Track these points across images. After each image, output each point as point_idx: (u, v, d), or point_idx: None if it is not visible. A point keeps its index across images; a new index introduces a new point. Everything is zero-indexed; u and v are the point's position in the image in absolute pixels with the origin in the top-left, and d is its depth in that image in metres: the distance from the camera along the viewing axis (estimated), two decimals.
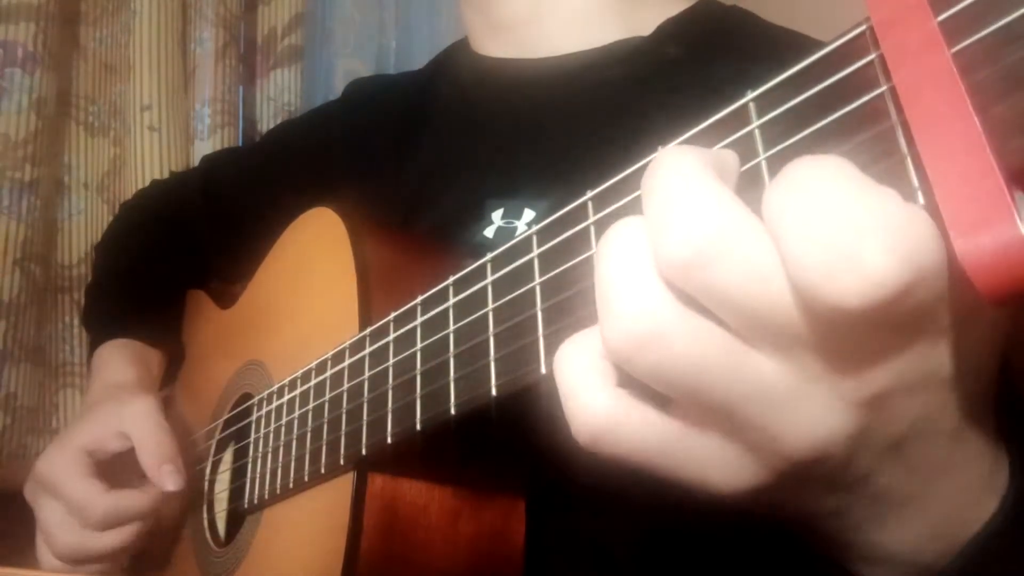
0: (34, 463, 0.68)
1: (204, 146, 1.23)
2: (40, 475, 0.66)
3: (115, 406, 0.69)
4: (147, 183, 1.16)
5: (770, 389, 0.25)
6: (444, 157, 0.68)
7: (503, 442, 0.47)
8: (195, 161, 1.23)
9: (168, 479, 0.64)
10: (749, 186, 0.25)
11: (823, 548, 0.34)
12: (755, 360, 0.25)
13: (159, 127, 1.19)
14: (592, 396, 0.26)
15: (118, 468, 0.67)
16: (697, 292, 0.24)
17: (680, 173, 0.24)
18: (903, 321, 0.22)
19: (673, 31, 0.63)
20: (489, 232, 0.59)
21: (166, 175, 1.17)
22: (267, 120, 1.32)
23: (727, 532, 0.44)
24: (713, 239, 0.23)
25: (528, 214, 0.58)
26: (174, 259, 0.89)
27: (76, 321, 1.21)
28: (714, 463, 0.27)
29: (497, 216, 0.59)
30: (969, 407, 0.29)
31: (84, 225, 1.22)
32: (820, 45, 0.24)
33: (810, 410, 0.25)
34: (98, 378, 0.79)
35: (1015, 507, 0.31)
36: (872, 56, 0.21)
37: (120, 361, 0.79)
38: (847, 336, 0.23)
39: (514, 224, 0.58)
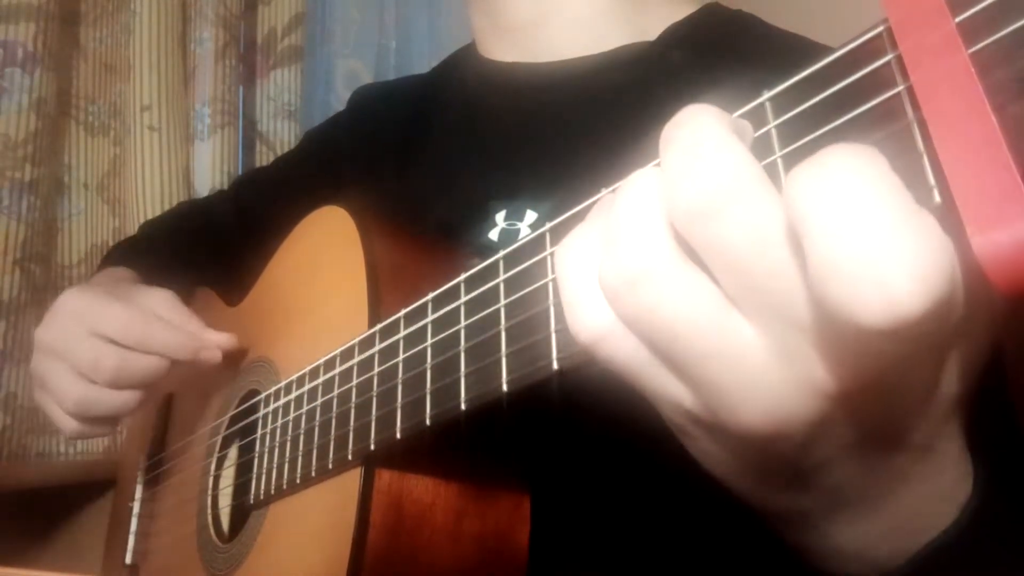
0: (35, 334, 0.67)
1: (204, 146, 1.24)
2: (44, 343, 0.65)
3: (138, 288, 0.69)
4: (147, 183, 1.18)
5: (743, 355, 0.25)
6: (450, 159, 0.69)
7: (510, 441, 0.47)
8: (195, 161, 1.24)
9: (218, 338, 0.65)
10: None
11: (781, 533, 0.34)
12: (737, 323, 0.25)
13: (159, 127, 1.19)
14: (593, 312, 0.28)
15: None
16: (699, 243, 0.24)
17: (702, 126, 0.24)
18: (901, 343, 0.22)
19: (678, 36, 0.63)
20: (493, 234, 0.59)
21: (166, 175, 1.18)
22: (267, 120, 1.33)
23: (732, 534, 0.44)
24: (723, 192, 0.23)
25: (530, 216, 0.59)
26: (198, 252, 0.89)
27: None
28: (685, 398, 0.28)
29: (500, 218, 0.60)
30: (940, 425, 0.29)
31: (84, 225, 1.22)
32: (825, 49, 0.24)
33: (775, 387, 0.25)
34: (103, 276, 0.80)
35: (971, 522, 0.31)
36: (889, 57, 0.21)
37: (132, 279, 0.80)
38: (840, 337, 0.23)
39: (517, 226, 0.59)
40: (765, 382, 0.25)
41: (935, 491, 0.31)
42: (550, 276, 0.33)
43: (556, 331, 0.32)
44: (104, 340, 0.62)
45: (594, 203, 0.31)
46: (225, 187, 1.16)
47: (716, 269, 0.25)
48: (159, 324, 0.64)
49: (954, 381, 0.27)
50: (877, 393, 0.25)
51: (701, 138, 0.24)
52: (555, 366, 0.32)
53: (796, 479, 0.29)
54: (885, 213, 0.20)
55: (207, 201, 0.96)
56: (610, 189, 0.31)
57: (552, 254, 0.32)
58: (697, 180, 0.23)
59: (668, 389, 0.28)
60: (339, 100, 1.35)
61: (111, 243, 1.19)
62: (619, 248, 0.26)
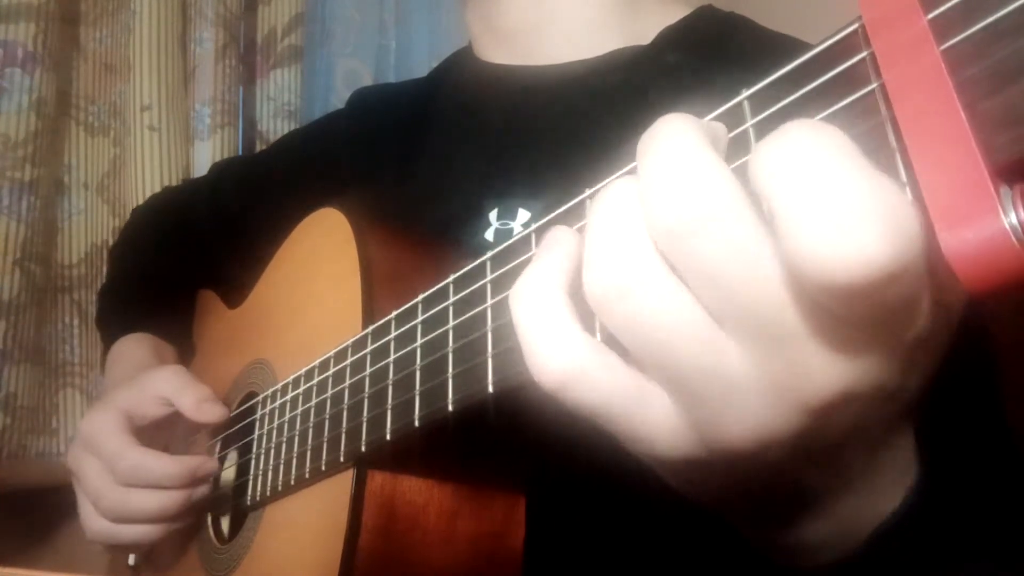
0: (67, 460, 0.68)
1: (204, 146, 1.24)
2: (82, 433, 0.66)
3: (147, 373, 0.70)
4: (147, 183, 1.17)
5: (729, 374, 0.25)
6: (446, 161, 0.69)
7: (502, 441, 0.47)
8: (195, 161, 1.24)
9: (208, 411, 0.65)
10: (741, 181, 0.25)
11: (746, 533, 0.35)
12: (723, 342, 0.25)
13: (159, 127, 1.19)
14: (558, 344, 0.27)
15: (159, 438, 0.68)
16: (679, 261, 0.24)
17: (677, 140, 0.24)
18: (876, 315, 0.22)
19: (672, 39, 0.63)
20: (488, 234, 0.59)
21: (166, 175, 1.17)
22: (267, 120, 1.33)
23: (727, 535, 0.44)
24: (703, 209, 0.23)
25: (523, 214, 0.59)
26: (184, 262, 0.90)
27: (76, 321, 1.22)
28: (661, 429, 0.27)
29: (493, 216, 0.60)
30: (899, 420, 0.30)
31: (84, 225, 1.23)
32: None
33: (761, 407, 0.25)
34: (119, 365, 0.80)
35: (912, 506, 0.32)
36: (864, 54, 0.21)
37: (142, 351, 0.81)
38: (821, 321, 0.23)
39: (509, 225, 0.59)
40: (750, 404, 0.25)
41: (886, 481, 0.32)
42: None
43: None
44: (107, 474, 0.64)
45: (576, 205, 0.31)
46: None
47: (697, 286, 0.25)
48: (149, 460, 0.63)
49: (916, 385, 0.28)
50: (854, 398, 0.25)
51: (677, 154, 0.24)
52: None
53: (765, 486, 0.30)
54: (849, 172, 0.20)
55: (185, 202, 0.94)
56: (591, 191, 0.31)
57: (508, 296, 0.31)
58: (674, 199, 0.23)
59: (647, 422, 0.27)
60: (339, 100, 1.35)
61: (111, 243, 1.19)
62: (606, 259, 0.26)
